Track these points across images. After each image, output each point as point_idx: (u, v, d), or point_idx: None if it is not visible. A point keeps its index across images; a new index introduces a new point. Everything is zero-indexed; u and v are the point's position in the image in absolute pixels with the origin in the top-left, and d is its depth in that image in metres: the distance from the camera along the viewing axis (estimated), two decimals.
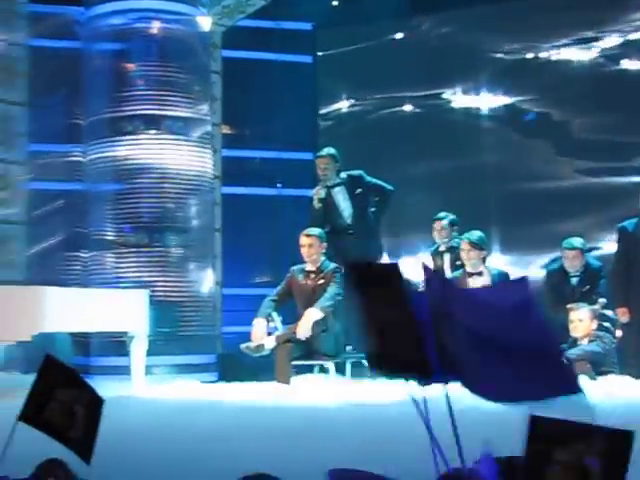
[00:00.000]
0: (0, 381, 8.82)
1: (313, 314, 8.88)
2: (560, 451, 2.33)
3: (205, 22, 10.90)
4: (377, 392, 7.51)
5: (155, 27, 10.56)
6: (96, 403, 3.20)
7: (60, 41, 11.27)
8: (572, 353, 8.20)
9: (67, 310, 8.51)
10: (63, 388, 3.24)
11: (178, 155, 10.50)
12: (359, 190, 10.25)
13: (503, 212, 11.38)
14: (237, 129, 12.44)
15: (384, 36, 12.25)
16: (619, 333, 8.83)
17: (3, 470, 3.30)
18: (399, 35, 12.23)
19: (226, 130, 12.17)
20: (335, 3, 12.27)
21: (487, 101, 11.86)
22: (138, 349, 9.29)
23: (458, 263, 9.51)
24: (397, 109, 12.15)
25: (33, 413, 3.28)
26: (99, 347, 10.23)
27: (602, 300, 8.95)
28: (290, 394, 8.03)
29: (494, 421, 4.12)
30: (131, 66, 10.51)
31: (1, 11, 10.82)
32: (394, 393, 6.75)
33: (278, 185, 12.08)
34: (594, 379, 8.01)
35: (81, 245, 10.86)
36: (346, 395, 7.70)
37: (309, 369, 9.43)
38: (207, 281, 10.68)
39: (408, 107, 12.11)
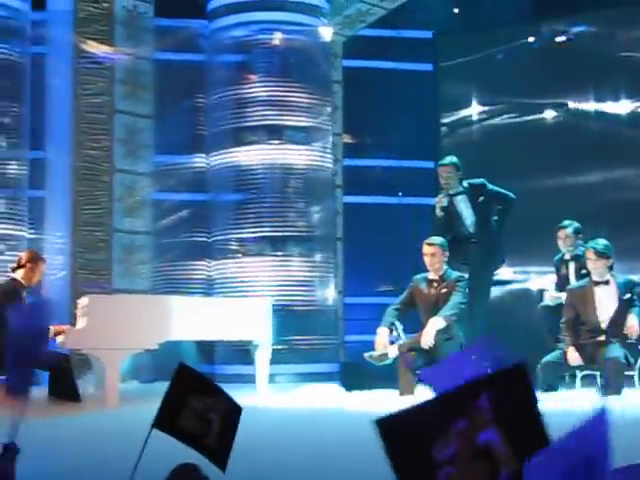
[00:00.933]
0: (129, 389, 9.00)
1: (437, 323, 8.85)
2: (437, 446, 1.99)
3: (326, 32, 10.97)
4: None
5: (277, 38, 10.67)
6: (233, 411, 3.21)
7: (185, 54, 11.45)
8: None
9: (192, 319, 8.64)
10: (197, 396, 3.26)
11: (300, 165, 10.57)
12: (481, 198, 10.18)
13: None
14: (358, 138, 12.47)
15: (506, 43, 12.10)
16: None
17: (137, 476, 3.36)
18: (522, 41, 12.07)
19: (347, 139, 12.21)
20: (456, 10, 12.19)
21: (625, 107, 11.61)
22: (262, 357, 9.37)
23: (583, 272, 9.36)
24: (524, 117, 11.98)
25: (167, 420, 3.31)
26: (224, 355, 10.35)
27: None
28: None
29: None
30: (253, 77, 10.63)
31: (128, 26, 11.07)
32: None
33: (399, 194, 12.06)
34: None
35: (205, 254, 11.00)
36: None
37: None
38: (329, 290, 10.72)
39: (535, 115, 11.93)
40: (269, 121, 10.58)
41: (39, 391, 8.00)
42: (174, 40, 11.29)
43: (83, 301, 8.15)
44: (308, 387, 9.57)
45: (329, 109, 11.09)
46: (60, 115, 10.83)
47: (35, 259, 8.56)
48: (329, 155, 11.00)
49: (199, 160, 11.27)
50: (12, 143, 10.49)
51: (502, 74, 12.09)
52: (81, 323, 8.04)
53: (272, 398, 8.65)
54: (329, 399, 8.64)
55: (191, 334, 9.01)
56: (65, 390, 7.76)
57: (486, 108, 12.22)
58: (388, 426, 1.98)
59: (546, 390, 8.50)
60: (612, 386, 8.25)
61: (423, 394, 8.62)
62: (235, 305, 9.41)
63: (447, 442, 1.95)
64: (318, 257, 10.62)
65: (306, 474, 4.42)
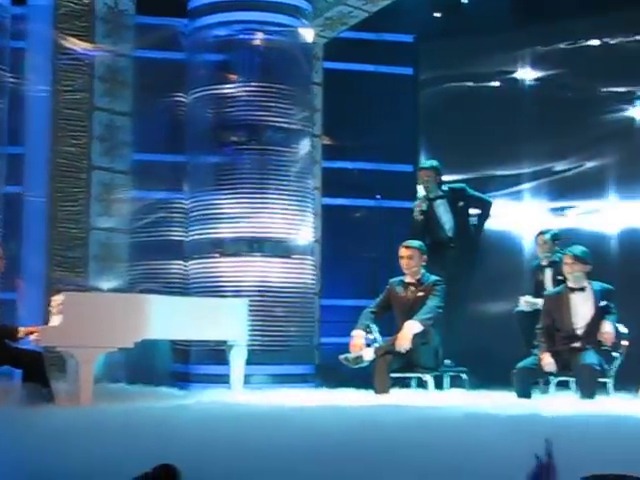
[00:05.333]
0: (104, 388, 8.95)
1: (413, 326, 8.87)
2: None
3: (307, 34, 10.96)
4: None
5: (258, 39, 10.64)
6: None
7: (165, 52, 11.42)
8: None
9: (168, 318, 8.61)
10: None
11: (279, 165, 10.54)
12: (461, 203, 10.22)
13: None
14: (337, 140, 12.46)
15: (488, 48, 12.12)
16: None
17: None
18: (502, 48, 12.09)
19: (326, 141, 12.21)
20: (437, 15, 12.21)
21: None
22: (237, 358, 9.36)
23: (559, 278, 9.40)
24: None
25: None
26: (199, 355, 10.31)
27: None
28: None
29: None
30: (234, 77, 10.60)
31: (109, 23, 11.03)
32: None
33: (377, 197, 12.07)
34: None
35: (182, 254, 10.97)
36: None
37: (407, 382, 9.41)
38: (306, 292, 10.69)
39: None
40: (249, 121, 10.55)
41: (12, 388, 7.97)
42: (154, 38, 11.24)
43: (58, 298, 8.10)
44: (282, 388, 9.55)
45: (309, 111, 11.06)
46: (38, 111, 10.76)
47: None
48: (309, 156, 10.95)
49: (178, 159, 11.22)
50: None
51: (481, 80, 12.12)
52: (56, 321, 7.99)
53: (246, 398, 8.62)
54: (303, 399, 8.61)
55: (166, 333, 8.98)
56: (38, 388, 7.71)
57: (466, 113, 12.21)
58: None
59: (520, 396, 8.54)
60: (586, 392, 8.28)
61: (397, 395, 8.66)
62: (211, 305, 9.37)
63: None
64: (295, 259, 10.58)
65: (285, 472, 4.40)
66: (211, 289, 10.32)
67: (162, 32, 11.35)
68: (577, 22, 11.53)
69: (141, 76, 11.23)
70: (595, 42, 11.60)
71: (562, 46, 11.80)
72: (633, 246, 11.17)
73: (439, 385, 9.29)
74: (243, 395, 8.94)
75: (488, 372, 9.75)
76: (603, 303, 8.78)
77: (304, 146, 10.79)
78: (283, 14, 10.69)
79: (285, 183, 10.52)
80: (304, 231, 10.67)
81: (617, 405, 7.90)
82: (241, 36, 10.64)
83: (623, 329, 8.89)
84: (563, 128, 11.49)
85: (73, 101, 10.84)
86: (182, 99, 11.23)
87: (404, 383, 9.39)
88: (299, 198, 10.65)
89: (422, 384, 9.16)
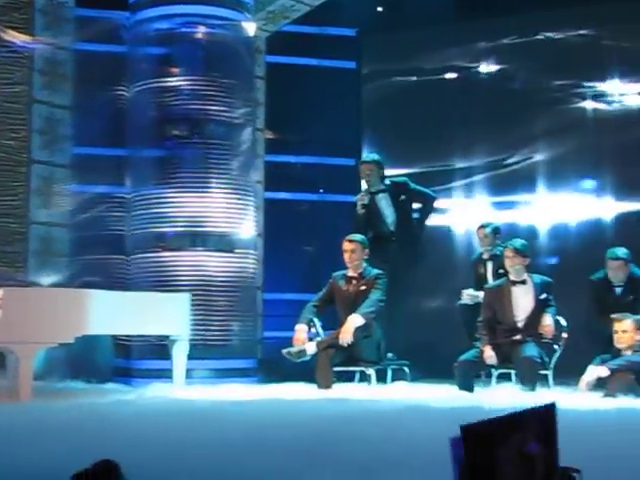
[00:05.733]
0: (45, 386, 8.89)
1: (355, 320, 8.89)
2: (501, 449, 2.53)
3: (250, 27, 10.92)
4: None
5: (200, 32, 10.58)
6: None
7: (106, 45, 11.32)
8: (615, 364, 8.14)
9: (110, 313, 8.56)
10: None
11: (221, 159, 10.50)
12: (403, 197, 10.26)
13: None
14: (280, 134, 12.44)
15: (431, 42, 12.16)
16: None
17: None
18: (445, 42, 12.13)
19: (269, 135, 12.19)
20: (380, 9, 12.23)
21: None
22: (179, 353, 9.33)
23: (501, 271, 9.47)
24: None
25: None
26: (140, 350, 10.25)
27: None
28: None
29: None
30: (176, 70, 10.54)
31: (49, 15, 10.91)
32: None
33: (320, 190, 12.08)
34: (637, 391, 7.95)
35: (124, 248, 10.89)
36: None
37: (350, 375, 9.44)
38: (248, 286, 10.68)
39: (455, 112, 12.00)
40: (191, 115, 10.49)
41: None
42: (95, 31, 11.15)
43: None
44: (225, 383, 9.53)
45: (252, 105, 11.03)
46: None
47: None
48: (251, 150, 10.93)
49: (119, 153, 11.13)
50: None
51: (423, 74, 12.16)
52: None
53: (187, 393, 8.59)
54: (245, 393, 8.60)
55: (108, 328, 8.93)
56: None
57: (407, 109, 12.23)
58: (470, 430, 2.51)
59: (462, 388, 8.59)
60: (527, 384, 8.36)
61: (340, 389, 8.68)
62: (153, 300, 9.33)
63: (508, 447, 2.56)
64: (237, 253, 10.55)
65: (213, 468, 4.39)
66: (153, 284, 10.25)
67: (103, 25, 11.25)
68: (521, 17, 11.58)
69: (81, 69, 11.12)
70: (540, 36, 11.66)
71: (506, 41, 11.85)
72: (570, 239, 11.29)
73: (382, 378, 9.32)
74: (185, 390, 8.92)
75: (430, 365, 9.80)
76: (543, 296, 8.87)
77: (247, 140, 10.76)
78: (225, 7, 10.64)
79: (227, 177, 10.48)
80: (246, 225, 10.64)
81: (557, 397, 7.97)
82: (183, 29, 10.57)
83: (563, 321, 8.99)
84: (507, 122, 11.56)
85: (12, 94, 10.72)
86: (123, 92, 11.15)
87: (347, 377, 9.41)
88: (242, 192, 10.61)
89: (365, 378, 9.18)
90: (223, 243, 10.42)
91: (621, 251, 9.15)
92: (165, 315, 9.24)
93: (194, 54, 10.54)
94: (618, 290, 9.14)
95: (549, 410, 2.72)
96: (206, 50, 10.57)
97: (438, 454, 4.52)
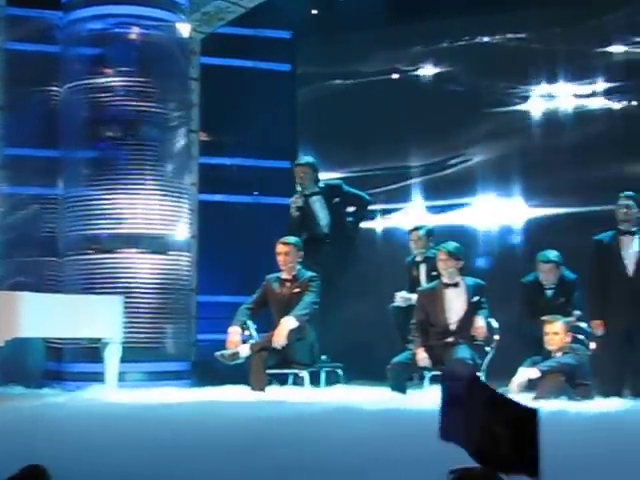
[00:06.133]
0: None
1: (288, 323, 8.91)
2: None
3: (184, 29, 10.88)
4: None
5: (134, 33, 10.51)
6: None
7: (38, 45, 11.19)
8: (546, 365, 8.23)
9: (41, 316, 8.48)
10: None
11: (155, 160, 10.44)
12: (337, 199, 10.29)
13: None
14: (215, 136, 12.40)
15: (365, 46, 12.19)
16: (593, 346, 8.86)
17: None
18: (381, 45, 12.17)
19: (204, 137, 12.14)
20: (314, 12, 12.25)
21: None
22: (112, 356, 9.26)
23: (434, 274, 9.53)
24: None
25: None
26: (72, 353, 10.16)
27: (577, 312, 9.00)
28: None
29: None
30: (109, 71, 10.46)
31: None
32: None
33: (255, 193, 12.06)
34: (568, 392, 8.05)
35: (56, 250, 10.78)
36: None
37: (284, 378, 9.44)
38: (182, 288, 10.63)
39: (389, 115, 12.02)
40: (124, 116, 10.42)
41: None
42: (27, 30, 11.03)
43: None
44: (158, 386, 9.47)
45: (186, 106, 10.98)
46: None
47: None
48: (185, 153, 10.88)
49: (52, 154, 11.01)
50: None
51: (357, 76, 12.20)
52: None
53: (120, 396, 8.53)
54: (178, 396, 8.57)
55: (39, 331, 8.84)
56: None
57: (343, 110, 12.24)
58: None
59: (395, 390, 8.63)
60: None
61: (274, 392, 8.68)
62: (85, 302, 9.26)
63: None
64: (171, 255, 10.50)
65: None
66: (86, 286, 10.17)
67: (35, 24, 11.13)
68: (457, 21, 11.64)
69: (12, 69, 10.96)
70: (476, 40, 11.72)
71: (442, 45, 11.88)
72: (503, 242, 11.40)
73: (315, 381, 9.33)
74: (117, 393, 8.85)
75: (364, 367, 9.83)
76: (476, 298, 8.95)
77: (181, 141, 10.72)
78: (159, 8, 10.58)
79: (161, 179, 10.43)
80: (180, 227, 10.60)
81: None
82: (116, 30, 10.49)
83: (495, 324, 9.07)
84: (442, 126, 11.59)
85: None
86: (56, 93, 11.04)
87: (281, 379, 9.41)
88: (176, 194, 10.56)
89: (298, 380, 9.19)
90: (157, 245, 10.37)
91: (552, 254, 9.25)
92: (97, 318, 9.17)
93: (128, 55, 10.47)
94: (549, 292, 9.23)
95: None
96: (140, 51, 10.51)
97: (370, 454, 4.55)
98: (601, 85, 11.16)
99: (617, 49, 11.12)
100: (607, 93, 11.12)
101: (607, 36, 11.11)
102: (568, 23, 11.26)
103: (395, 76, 12.14)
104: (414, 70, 12.09)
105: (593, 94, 11.18)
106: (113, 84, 10.43)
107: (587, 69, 11.22)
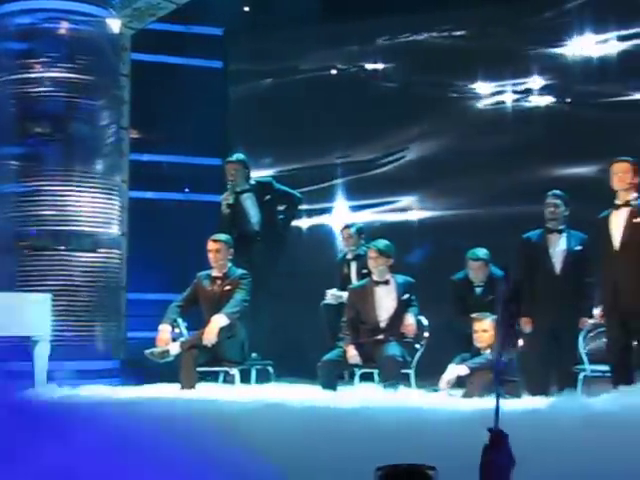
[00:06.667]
0: None
1: (219, 320, 8.89)
2: None
3: (114, 24, 10.79)
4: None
5: (63, 28, 10.41)
6: None
7: None
8: (475, 362, 8.29)
9: None
10: None
11: (84, 157, 10.36)
12: (268, 197, 10.29)
13: None
14: (146, 133, 12.34)
15: (297, 43, 12.19)
16: (521, 343, 8.95)
17: None
18: (313, 42, 12.17)
19: (134, 134, 12.06)
20: (246, 9, 12.23)
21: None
22: (41, 354, 9.17)
23: (364, 271, 9.56)
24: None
25: None
26: (1, 351, 10.03)
27: None
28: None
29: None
30: (38, 67, 10.35)
31: None
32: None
33: (186, 190, 12.02)
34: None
35: None
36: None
37: (214, 375, 9.41)
38: (112, 286, 10.55)
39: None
40: (54, 113, 10.32)
41: None
42: None
43: None
44: (87, 384, 9.39)
45: (116, 103, 10.90)
46: None
47: None
48: (115, 149, 10.80)
49: None
50: None
51: (289, 74, 12.19)
52: None
53: (49, 394, 8.44)
54: (108, 394, 8.50)
55: None
56: None
57: (273, 110, 12.22)
58: None
59: (325, 388, 8.65)
60: (389, 384, 8.46)
61: (204, 389, 8.65)
62: (13, 300, 9.15)
63: None
64: (101, 252, 10.42)
65: None
66: (14, 284, 10.05)
67: None
68: (392, 20, 11.68)
69: None
70: (410, 38, 11.77)
71: (377, 42, 11.95)
72: (435, 240, 11.46)
73: (246, 378, 9.32)
74: (47, 391, 8.76)
75: (295, 365, 9.84)
76: (406, 296, 9.00)
77: (111, 138, 10.64)
78: (89, 3, 10.50)
79: (91, 176, 10.35)
80: (111, 225, 10.53)
81: (417, 397, 8.11)
82: (45, 25, 10.38)
83: (425, 321, 9.13)
84: (376, 123, 11.62)
85: None
86: None
87: (211, 377, 9.38)
88: (106, 191, 10.49)
89: (229, 378, 9.18)
90: (86, 243, 10.29)
91: (481, 252, 9.32)
92: (26, 316, 9.06)
93: (57, 50, 10.37)
94: (478, 290, 9.31)
95: None
96: (69, 46, 10.41)
97: (296, 449, 4.56)
98: (535, 85, 11.24)
99: (550, 50, 11.20)
100: (540, 93, 11.22)
101: (541, 36, 11.17)
102: (504, 22, 11.33)
103: (329, 73, 12.17)
104: (349, 68, 12.12)
105: (527, 94, 11.27)
106: (42, 80, 10.32)
107: (521, 69, 11.30)
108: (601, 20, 11.00)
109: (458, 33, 11.62)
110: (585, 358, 8.60)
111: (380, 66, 11.97)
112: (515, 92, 11.34)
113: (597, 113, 10.84)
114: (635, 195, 8.17)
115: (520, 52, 11.28)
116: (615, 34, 10.96)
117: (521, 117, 11.29)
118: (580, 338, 8.66)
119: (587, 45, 11.07)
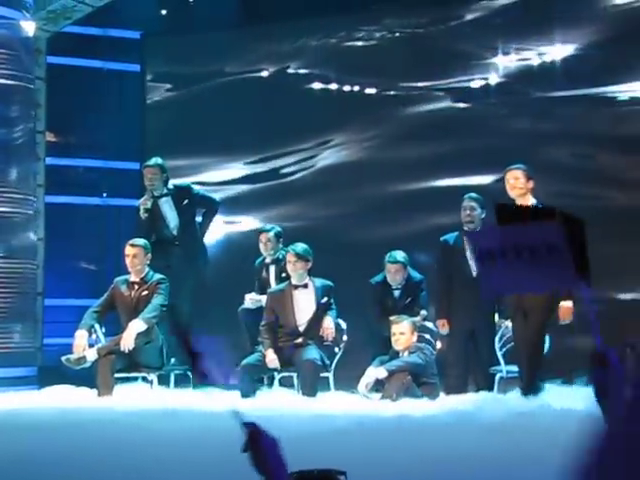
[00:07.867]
0: None
1: (136, 325, 8.85)
2: None
3: (29, 27, 10.64)
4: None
5: None
6: None
7: None
8: (393, 365, 8.34)
9: None
10: None
11: None
12: (186, 201, 10.25)
13: None
14: (62, 137, 12.21)
15: (216, 47, 12.13)
16: (439, 345, 9.03)
17: None
18: (231, 46, 12.12)
19: (50, 138, 11.92)
20: (164, 12, 12.16)
21: None
22: None
23: (283, 275, 9.57)
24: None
25: None
26: None
27: (423, 312, 9.17)
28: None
29: None
30: None
31: None
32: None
33: (103, 194, 11.92)
34: (414, 391, 8.18)
35: None
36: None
37: (132, 381, 9.35)
38: (28, 292, 10.41)
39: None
40: None
41: None
42: None
43: None
44: (2, 391, 9.26)
45: (31, 106, 10.76)
46: None
47: None
48: (31, 153, 10.66)
49: None
50: None
51: (207, 78, 12.14)
52: None
53: None
54: (24, 402, 8.40)
55: None
56: None
57: (191, 112, 12.15)
58: None
59: (244, 392, 8.63)
60: (307, 387, 8.47)
61: (121, 395, 8.59)
62: None
63: None
64: (16, 258, 10.28)
65: None
66: None
67: None
68: (324, 20, 11.60)
69: None
70: (334, 40, 11.67)
71: (297, 44, 11.81)
72: (352, 243, 11.44)
73: (165, 384, 9.26)
74: None
75: (214, 370, 9.79)
76: (324, 299, 9.03)
77: (26, 142, 10.50)
78: (2, 5, 10.35)
79: (5, 180, 10.21)
80: (26, 230, 10.39)
81: (335, 401, 8.14)
82: None
83: (343, 324, 9.16)
84: (298, 126, 11.58)
85: None
86: None
87: (129, 383, 9.31)
88: (21, 196, 10.35)
89: (147, 383, 9.12)
90: (0, 248, 10.14)
91: (400, 255, 9.38)
92: None
93: None
94: (396, 293, 9.37)
95: None
96: None
97: (212, 457, 4.55)
98: (473, 86, 11.04)
99: (478, 54, 11.08)
100: (464, 99, 11.11)
101: (485, 39, 11.07)
102: (440, 22, 11.26)
103: (251, 76, 12.05)
104: (268, 70, 12.00)
105: (461, 98, 11.12)
106: None
107: (448, 73, 11.15)
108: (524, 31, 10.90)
109: (393, 35, 11.48)
110: (501, 359, 8.69)
111: (302, 68, 11.88)
112: (440, 98, 11.21)
113: (522, 121, 10.79)
114: (534, 201, 8.23)
115: (448, 56, 11.12)
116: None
117: (446, 122, 11.13)
118: (496, 339, 8.75)
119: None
